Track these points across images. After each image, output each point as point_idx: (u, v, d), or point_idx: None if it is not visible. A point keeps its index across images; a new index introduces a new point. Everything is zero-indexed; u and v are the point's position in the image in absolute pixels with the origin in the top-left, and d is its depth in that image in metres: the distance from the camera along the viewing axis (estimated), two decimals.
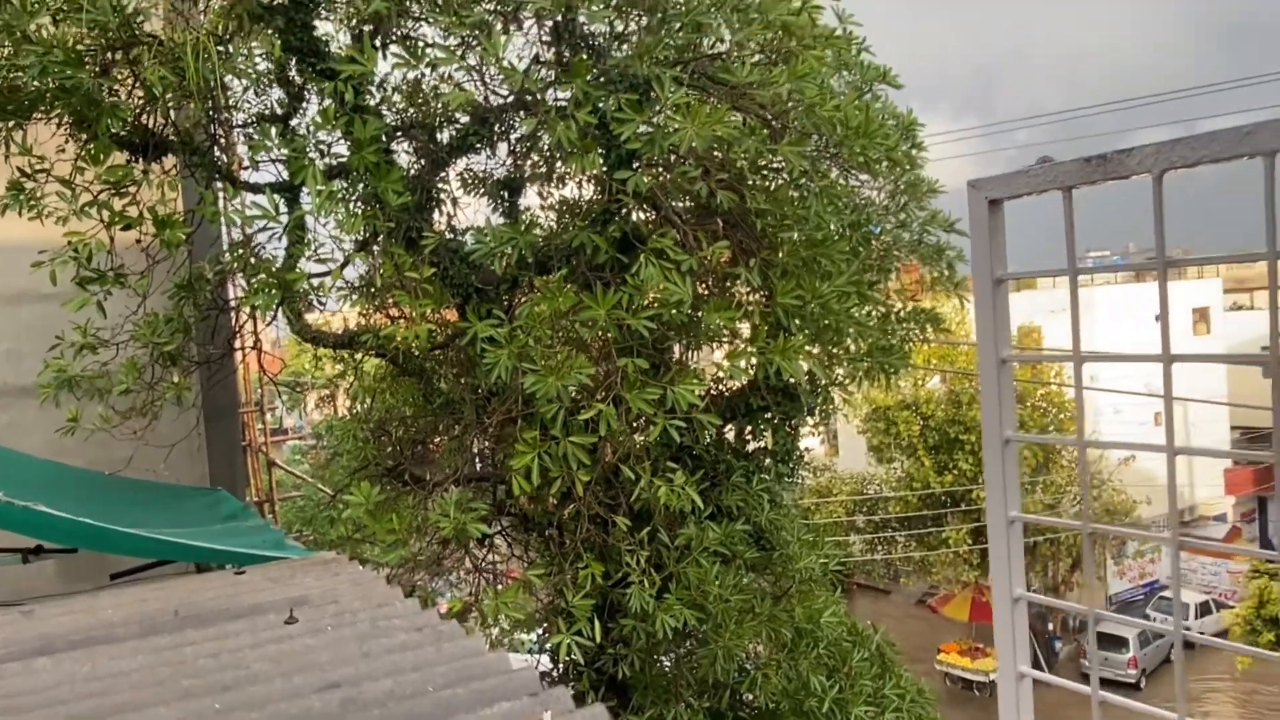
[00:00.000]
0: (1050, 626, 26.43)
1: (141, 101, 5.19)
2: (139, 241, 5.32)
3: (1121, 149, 0.96)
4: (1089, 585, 14.22)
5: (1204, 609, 25.09)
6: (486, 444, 7.26)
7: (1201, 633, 25.29)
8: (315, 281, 5.92)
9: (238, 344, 6.90)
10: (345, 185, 5.23)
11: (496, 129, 6.32)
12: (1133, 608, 27.17)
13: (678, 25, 5.09)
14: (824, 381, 7.01)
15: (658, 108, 4.70)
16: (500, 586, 7.05)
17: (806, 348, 5.73)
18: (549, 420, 4.59)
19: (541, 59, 5.49)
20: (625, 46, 5.68)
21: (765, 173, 5.57)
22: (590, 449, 5.04)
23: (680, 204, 5.88)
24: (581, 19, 5.14)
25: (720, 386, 6.97)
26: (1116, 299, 27.74)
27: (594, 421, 4.69)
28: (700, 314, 5.22)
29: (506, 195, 6.40)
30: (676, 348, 6.16)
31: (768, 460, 7.52)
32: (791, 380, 5.99)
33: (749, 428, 7.43)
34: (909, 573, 27.24)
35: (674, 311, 4.63)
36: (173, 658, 2.06)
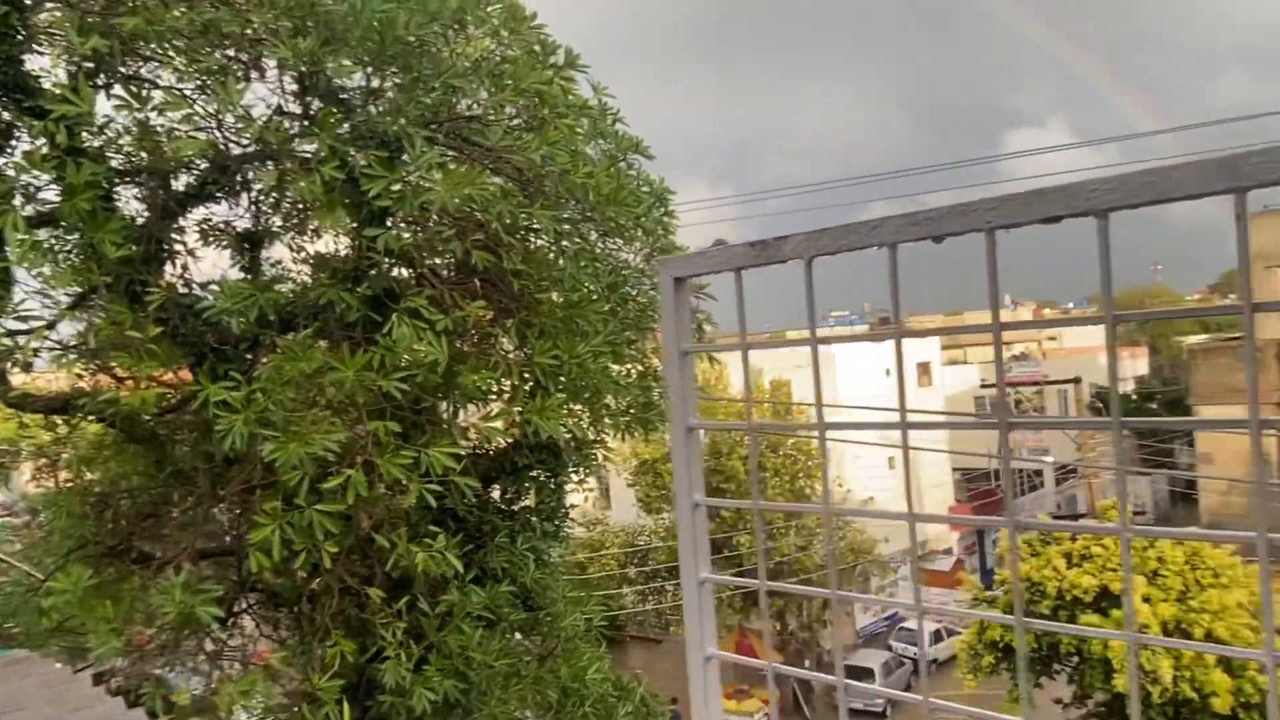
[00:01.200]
0: (806, 663, 27.99)
1: None
2: None
3: (779, 235, 1.06)
4: (773, 632, 15.20)
5: (937, 636, 27.62)
6: (228, 516, 6.70)
7: (936, 659, 27.78)
8: (22, 340, 5.27)
9: None
10: (55, 234, 4.72)
11: (238, 179, 5.98)
12: (878, 639, 29.42)
13: (432, 86, 5.08)
14: (585, 438, 7.12)
15: (411, 166, 4.65)
16: (244, 673, 6.48)
17: (567, 406, 5.80)
18: (292, 489, 4.32)
19: (285, 109, 5.27)
20: (380, 103, 5.60)
21: (523, 234, 5.64)
22: (343, 517, 4.79)
23: (440, 262, 5.82)
24: (329, 72, 5.00)
25: (485, 446, 6.89)
26: (853, 353, 30.42)
27: (345, 488, 4.46)
28: (459, 374, 5.15)
29: (249, 248, 6.04)
30: (443, 408, 6.04)
31: (534, 518, 7.49)
32: (554, 438, 6.03)
33: (514, 487, 7.38)
34: (678, 621, 27.93)
35: (429, 373, 4.54)
36: None
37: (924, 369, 35.21)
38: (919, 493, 30.73)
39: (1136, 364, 50.57)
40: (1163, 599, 15.25)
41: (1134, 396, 44.87)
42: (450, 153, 5.60)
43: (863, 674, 25.50)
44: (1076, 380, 41.60)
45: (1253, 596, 15.67)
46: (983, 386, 40.08)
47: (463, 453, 4.81)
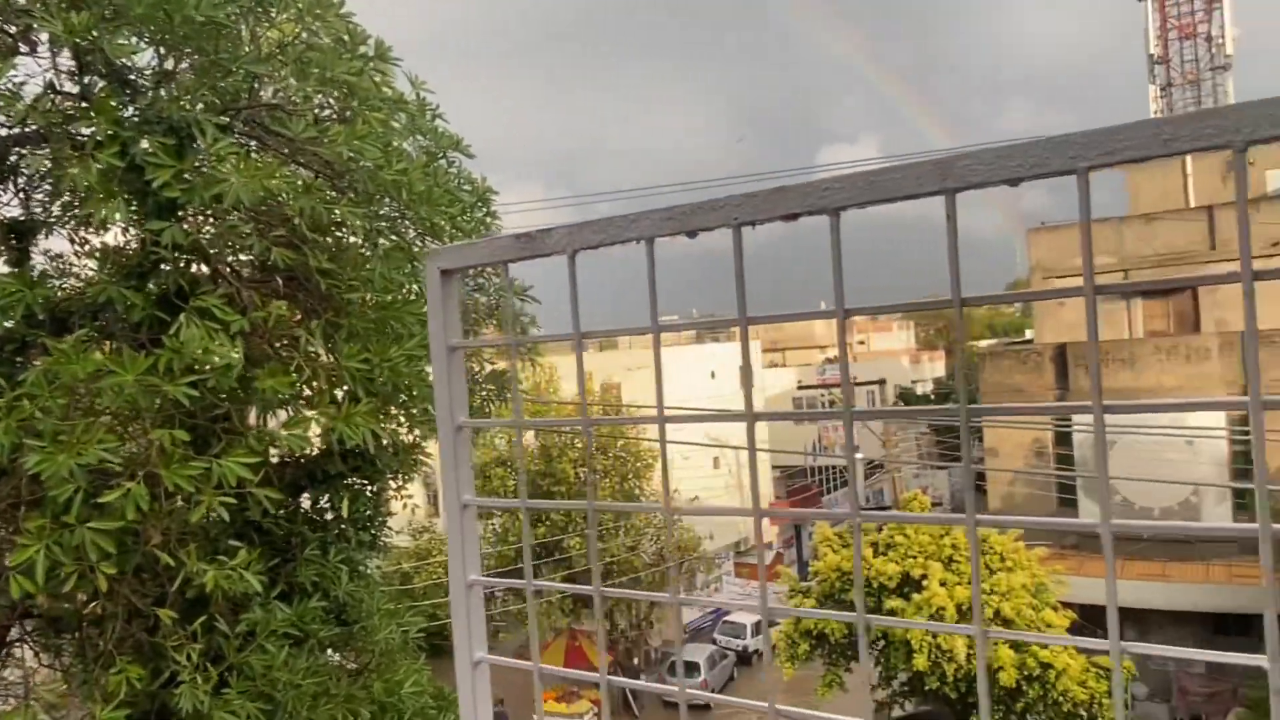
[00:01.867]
0: (636, 661, 28.38)
1: None
2: None
3: (543, 228, 1.05)
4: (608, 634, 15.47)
5: (758, 628, 28.74)
6: None
7: (757, 650, 28.85)
8: None
9: None
10: None
11: (5, 162, 5.39)
12: (703, 634, 30.23)
13: (230, 70, 4.77)
14: (402, 444, 6.90)
15: (202, 155, 4.34)
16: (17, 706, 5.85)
17: (381, 411, 5.59)
18: (61, 505, 3.92)
19: (59, 88, 4.80)
20: (171, 87, 5.20)
21: (331, 231, 5.39)
22: (128, 534, 4.39)
23: (241, 260, 5.46)
24: (108, 50, 4.59)
25: (296, 454, 6.54)
26: (678, 357, 31.16)
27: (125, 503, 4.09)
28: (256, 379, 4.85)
29: (16, 240, 5.46)
30: (251, 415, 5.67)
31: (348, 529, 7.19)
32: (367, 445, 5.79)
33: (326, 496, 7.05)
34: (506, 627, 27.63)
35: (222, 377, 4.24)
36: None
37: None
38: (740, 490, 31.84)
39: (935, 366, 54.63)
40: (958, 583, 16.50)
41: (932, 396, 48.45)
42: (251, 142, 5.28)
43: (688, 669, 26.14)
44: (882, 381, 44.41)
45: (1033, 578, 17.23)
46: (799, 388, 42.07)
47: (259, 462, 4.53)
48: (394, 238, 6.05)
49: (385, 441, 6.59)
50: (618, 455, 27.61)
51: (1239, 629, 19.61)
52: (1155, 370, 21.78)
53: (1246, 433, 20.60)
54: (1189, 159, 27.57)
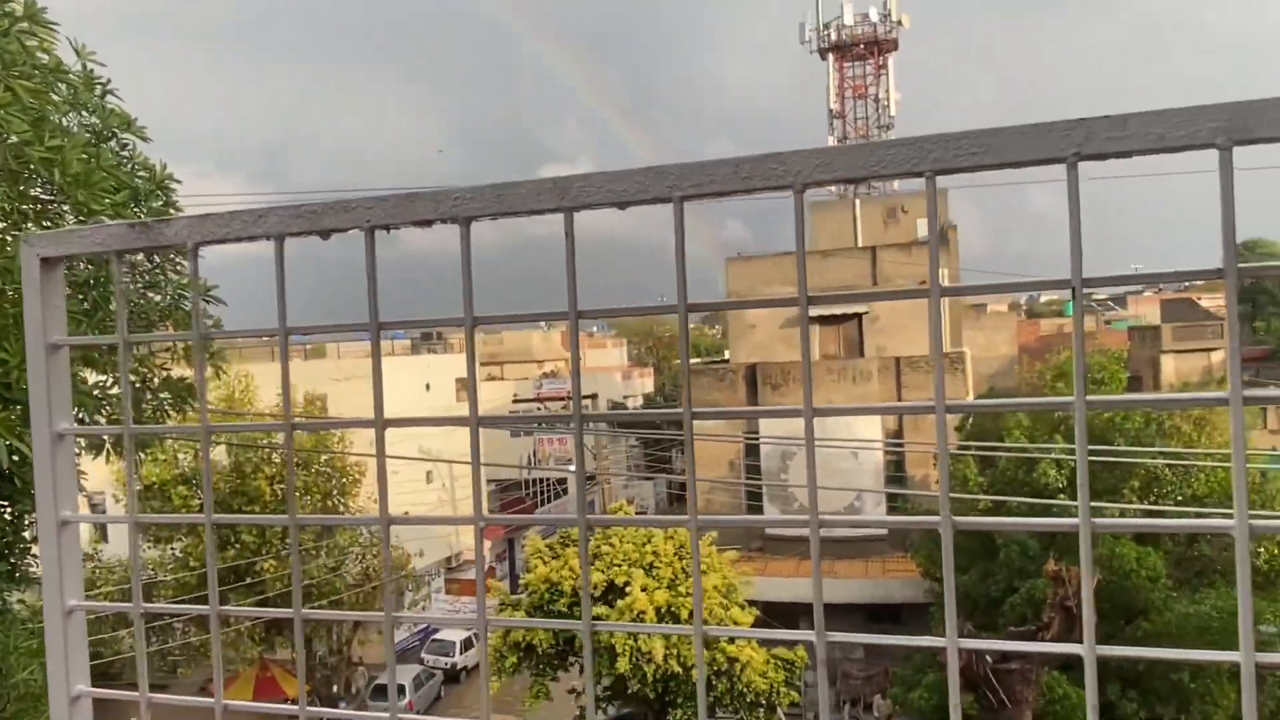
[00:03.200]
0: (335, 689, 26.91)
1: None
2: None
3: (161, 218, 0.97)
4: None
5: (468, 644, 28.37)
6: None
7: (466, 667, 28.46)
8: None
9: None
10: None
11: None
12: (409, 654, 29.30)
13: None
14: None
15: None
16: None
17: (17, 423, 4.85)
18: None
19: None
20: None
21: None
22: None
23: None
24: None
25: None
26: (393, 368, 30.15)
27: None
28: None
29: None
30: None
31: None
32: (2, 460, 5.01)
33: None
34: (186, 661, 25.07)
35: None
36: None
37: (462, 384, 36.16)
38: (454, 506, 31.37)
39: (645, 383, 57.39)
40: (657, 587, 17.37)
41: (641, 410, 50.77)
42: None
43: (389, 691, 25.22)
44: (594, 396, 45.85)
45: (724, 580, 18.54)
46: (515, 401, 42.33)
47: None
48: (46, 224, 5.32)
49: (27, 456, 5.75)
50: (320, 470, 26.09)
51: (889, 617, 22.42)
52: (828, 389, 24.43)
53: (898, 447, 23.64)
54: (857, 203, 31.39)
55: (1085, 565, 0.83)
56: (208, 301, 7.18)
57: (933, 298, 0.80)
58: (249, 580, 24.44)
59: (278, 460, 24.73)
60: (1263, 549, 17.61)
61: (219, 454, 25.31)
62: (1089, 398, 0.80)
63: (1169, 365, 35.06)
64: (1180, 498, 18.21)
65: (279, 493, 24.95)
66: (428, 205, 0.90)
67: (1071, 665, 15.53)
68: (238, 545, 23.95)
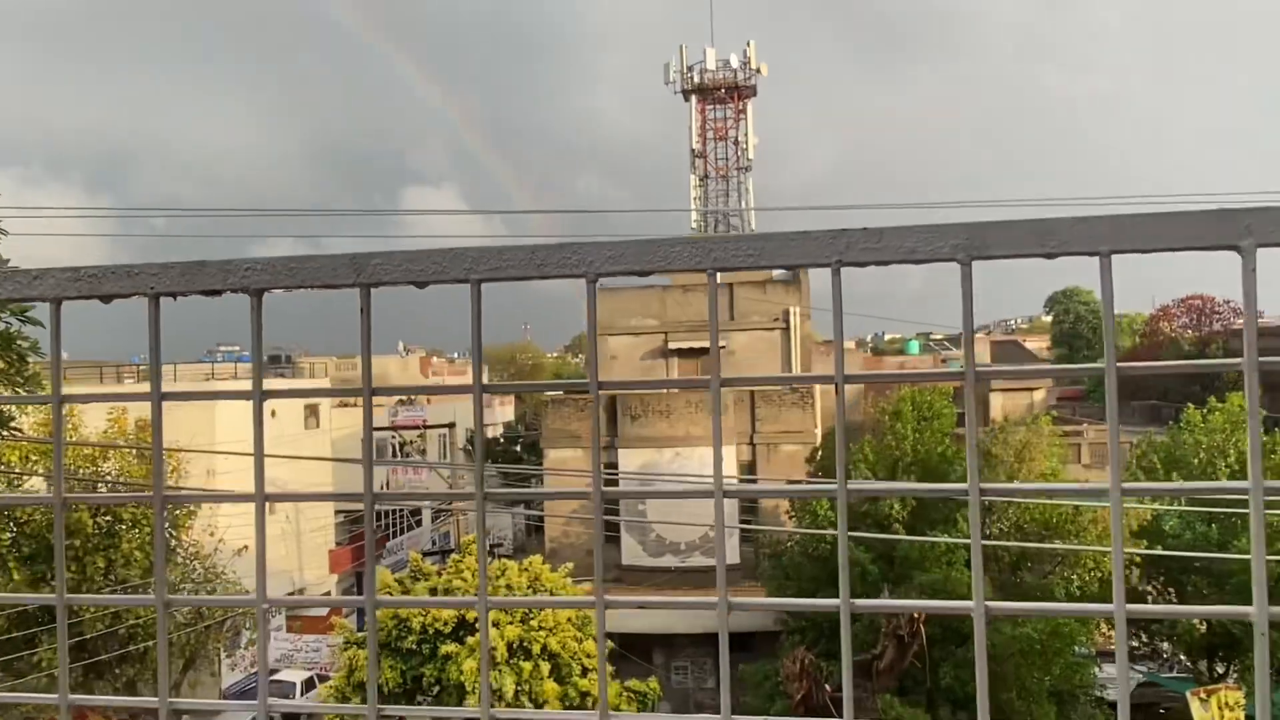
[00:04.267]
0: None
1: None
2: None
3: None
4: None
5: (309, 684, 26.96)
6: None
7: (305, 713, 27.03)
8: None
9: None
10: None
11: None
12: (247, 694, 27.58)
13: None
14: None
15: None
16: None
17: None
18: None
19: None
20: None
21: None
22: None
23: None
24: None
25: None
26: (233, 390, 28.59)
27: None
28: None
29: None
30: None
31: None
32: None
33: None
34: None
35: None
36: None
37: (312, 410, 34.70)
38: (298, 538, 29.97)
39: (505, 411, 56.71)
40: (509, 622, 17.08)
41: (501, 440, 50.15)
42: None
43: None
44: (452, 425, 44.98)
45: (578, 613, 18.45)
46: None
47: None
48: None
49: None
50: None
51: (741, 646, 22.87)
52: (686, 421, 24.87)
53: (750, 480, 24.27)
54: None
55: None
56: (23, 322, 6.67)
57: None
58: (69, 621, 22.44)
59: (103, 489, 22.91)
60: (1075, 575, 19.07)
61: (36, 483, 23.22)
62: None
63: (996, 402, 37.62)
64: (1003, 526, 19.51)
65: (102, 524, 23.11)
66: (216, 275, 0.88)
67: (906, 689, 16.28)
68: (51, 583, 21.99)
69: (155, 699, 1.00)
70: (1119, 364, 0.74)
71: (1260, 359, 0.71)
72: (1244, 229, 0.71)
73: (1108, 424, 0.78)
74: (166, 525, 24.42)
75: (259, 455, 0.95)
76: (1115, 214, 0.71)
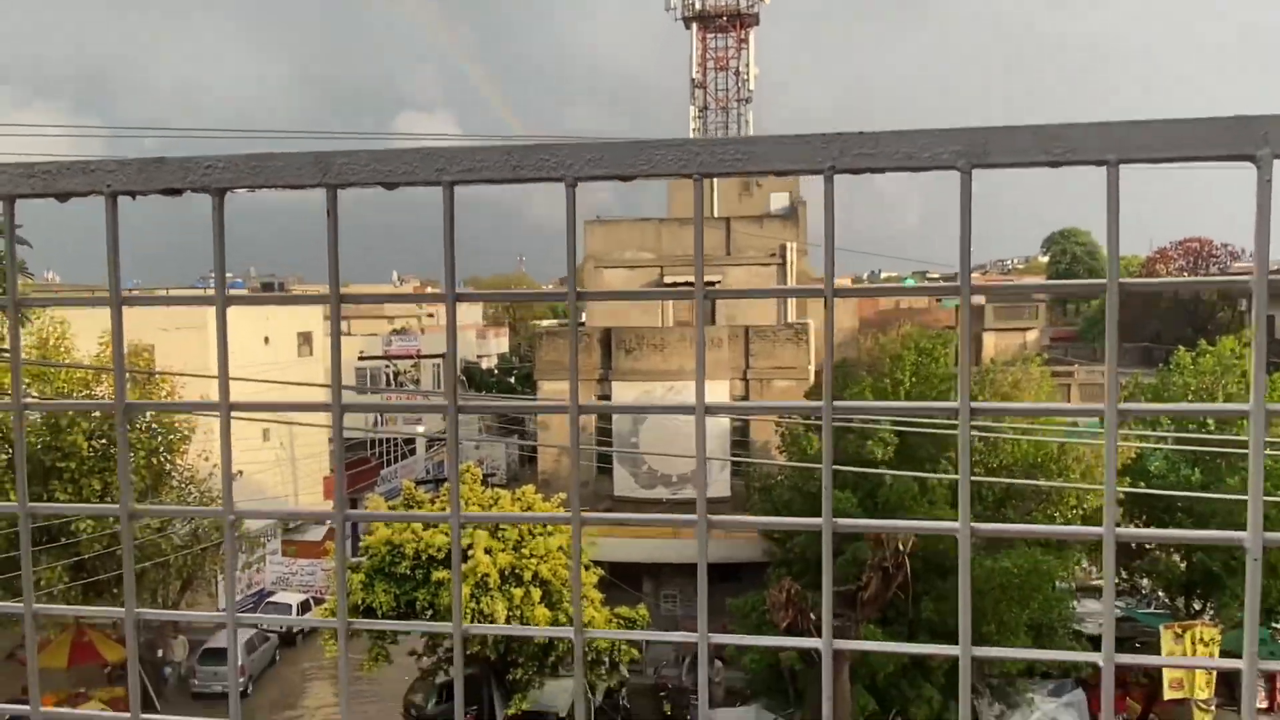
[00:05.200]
0: (160, 654, 25.57)
1: None
2: None
3: None
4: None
5: (305, 606, 27.48)
6: None
7: (301, 631, 27.62)
8: None
9: None
10: None
11: None
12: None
13: None
14: None
15: None
16: None
17: None
18: None
19: None
20: None
21: None
22: None
23: None
24: None
25: None
26: (229, 320, 28.47)
27: None
28: None
29: None
30: None
31: None
32: None
33: None
34: None
35: None
36: None
37: (305, 338, 34.64)
38: (293, 464, 30.17)
39: (500, 342, 56.69)
40: (501, 549, 17.34)
41: (495, 371, 50.25)
42: None
43: (218, 655, 24.19)
44: (444, 355, 45.02)
45: (570, 544, 18.73)
46: (360, 359, 40.95)
47: None
48: None
49: None
50: (146, 425, 24.45)
51: (731, 576, 23.30)
52: (680, 355, 24.90)
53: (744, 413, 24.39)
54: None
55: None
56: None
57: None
58: (63, 540, 22.73)
59: (97, 414, 22.97)
60: (1059, 513, 19.36)
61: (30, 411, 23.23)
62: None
63: (989, 341, 37.72)
64: (993, 464, 19.71)
65: (97, 448, 23.22)
66: (176, 173, 0.83)
67: (888, 619, 16.66)
68: (51, 503, 22.18)
69: (122, 609, 0.99)
70: (1121, 280, 0.71)
71: (1271, 276, 0.68)
72: (1261, 137, 0.67)
73: (1106, 343, 0.75)
74: (162, 450, 24.54)
75: (223, 365, 0.92)
76: (1126, 119, 0.67)
